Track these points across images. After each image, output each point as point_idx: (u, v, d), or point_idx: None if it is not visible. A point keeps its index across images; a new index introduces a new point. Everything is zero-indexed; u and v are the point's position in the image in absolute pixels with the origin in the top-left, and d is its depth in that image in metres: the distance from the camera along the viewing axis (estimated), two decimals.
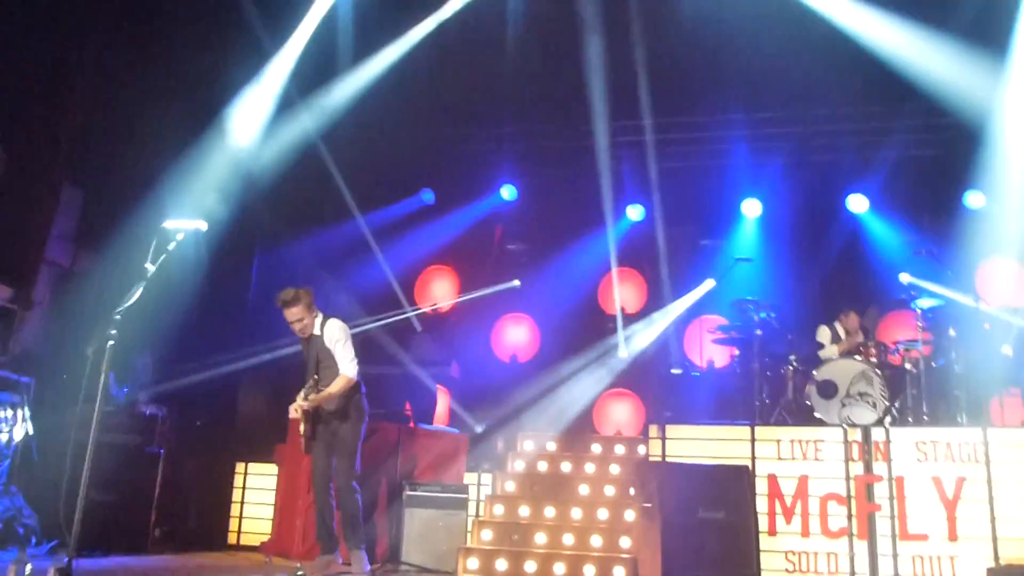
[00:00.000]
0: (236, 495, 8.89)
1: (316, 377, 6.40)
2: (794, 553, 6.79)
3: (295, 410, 6.53)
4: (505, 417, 8.48)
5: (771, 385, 8.71)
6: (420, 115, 10.91)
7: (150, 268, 5.62)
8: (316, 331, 6.60)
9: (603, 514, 7.35)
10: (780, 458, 7.05)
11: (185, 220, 5.99)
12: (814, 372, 8.09)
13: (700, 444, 7.29)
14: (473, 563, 6.92)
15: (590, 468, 7.95)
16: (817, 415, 7.90)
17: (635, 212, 11.33)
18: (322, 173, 10.13)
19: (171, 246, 5.76)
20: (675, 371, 10.11)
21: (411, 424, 8.42)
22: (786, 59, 9.27)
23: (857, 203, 10.73)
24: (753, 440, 7.14)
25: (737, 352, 9.08)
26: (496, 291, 10.99)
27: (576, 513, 7.41)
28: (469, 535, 7.38)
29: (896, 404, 7.96)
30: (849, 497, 6.73)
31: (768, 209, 11.01)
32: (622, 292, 10.71)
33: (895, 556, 6.50)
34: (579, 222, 11.00)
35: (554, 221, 11.64)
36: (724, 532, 6.40)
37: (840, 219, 10.84)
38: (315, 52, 9.78)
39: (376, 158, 10.99)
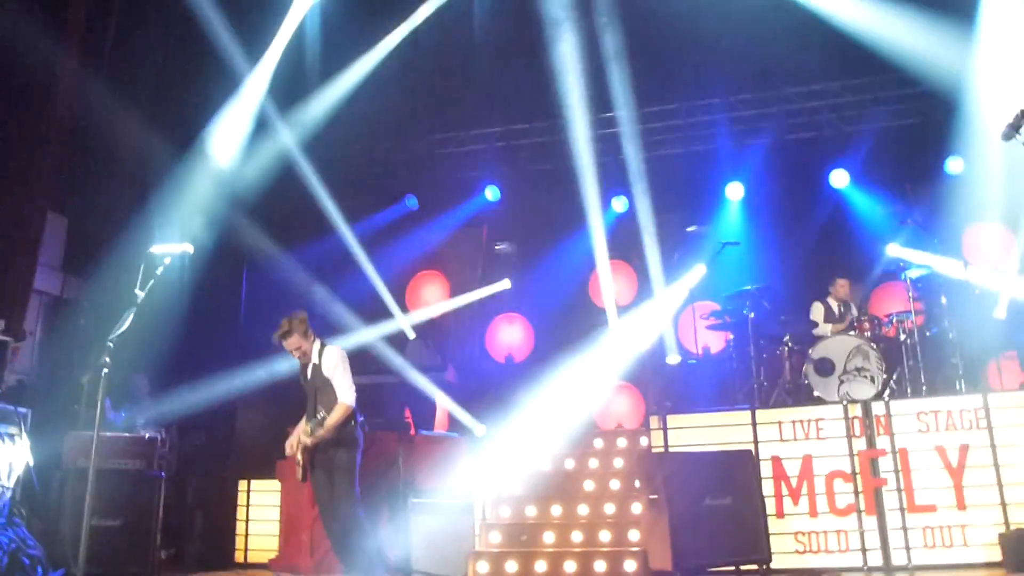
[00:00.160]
0: (241, 513, 8.87)
1: (321, 413, 6.34)
2: (803, 534, 6.80)
3: (291, 446, 6.50)
4: (505, 418, 8.45)
5: (768, 367, 8.73)
6: (398, 122, 10.91)
7: (140, 294, 5.59)
8: (315, 359, 6.55)
9: (610, 508, 7.33)
10: (783, 440, 7.06)
11: (172, 244, 5.98)
12: (810, 351, 8.10)
13: (702, 432, 7.29)
14: (483, 566, 6.90)
15: (594, 463, 7.94)
16: (816, 394, 7.91)
17: (619, 204, 11.34)
18: (305, 187, 10.10)
19: (159, 270, 5.75)
20: (671, 360, 10.11)
21: (411, 431, 8.39)
22: (759, 39, 9.29)
23: (839, 178, 10.77)
24: (754, 424, 7.15)
25: (732, 337, 9.10)
26: (487, 293, 11.01)
27: (583, 509, 7.40)
28: (477, 539, 7.35)
29: (894, 376, 7.99)
30: (854, 473, 6.74)
31: (751, 191, 11.05)
32: (613, 284, 10.71)
33: (905, 529, 6.52)
34: (564, 218, 10.99)
35: (540, 219, 11.64)
36: (732, 518, 6.42)
37: (823, 195, 10.89)
38: (289, 67, 9.77)
39: (357, 168, 10.99)
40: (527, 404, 8.73)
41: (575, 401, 8.90)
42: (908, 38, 8.88)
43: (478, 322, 11.41)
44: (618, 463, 7.84)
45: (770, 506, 6.80)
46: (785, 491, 6.93)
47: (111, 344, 5.41)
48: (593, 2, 9.26)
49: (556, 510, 7.46)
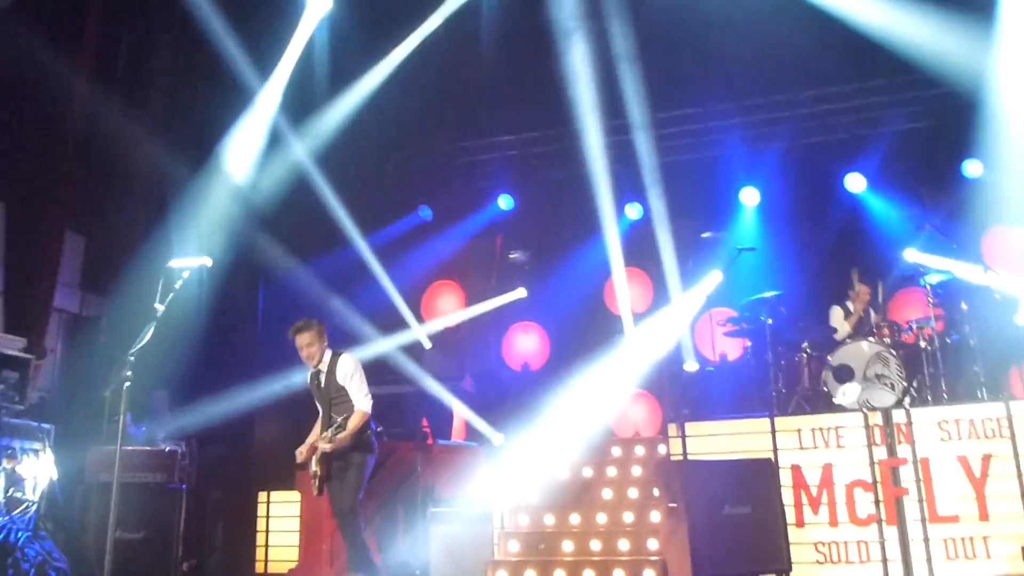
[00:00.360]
0: (261, 524, 8.92)
1: (338, 420, 6.35)
2: (824, 544, 6.73)
3: (301, 453, 6.54)
4: (522, 426, 8.45)
5: (786, 374, 8.66)
6: (411, 132, 10.94)
7: (159, 308, 5.64)
8: (324, 366, 6.59)
9: (628, 517, 7.30)
10: (802, 448, 6.99)
11: (189, 258, 6.03)
12: (828, 357, 8.03)
13: (720, 440, 7.23)
14: (502, 575, 6.91)
15: (612, 471, 7.91)
16: (835, 401, 7.84)
17: (633, 211, 11.34)
18: (319, 199, 10.14)
19: (178, 284, 5.79)
20: (689, 367, 10.07)
21: (429, 441, 8.41)
22: (772, 43, 9.25)
23: (855, 182, 10.72)
24: (773, 431, 7.07)
25: (749, 343, 9.05)
26: (502, 302, 11.01)
27: (601, 518, 7.37)
28: (496, 548, 7.34)
29: (914, 384, 7.90)
30: (875, 483, 6.65)
31: (766, 196, 11.01)
32: (628, 292, 10.69)
33: (926, 540, 6.41)
34: (579, 225, 11.01)
35: (553, 227, 11.66)
36: (752, 527, 6.39)
37: (839, 200, 10.83)
38: (301, 80, 9.81)
39: (370, 179, 11.02)
40: (544, 412, 8.72)
41: (592, 409, 8.88)
42: (925, 39, 8.78)
43: (494, 331, 11.42)
44: (636, 471, 7.81)
45: (790, 515, 6.74)
46: (805, 500, 6.85)
47: (132, 358, 5.45)
48: (605, 7, 9.24)
49: (574, 519, 7.43)
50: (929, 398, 7.77)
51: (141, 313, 5.73)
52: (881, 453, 6.72)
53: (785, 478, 6.87)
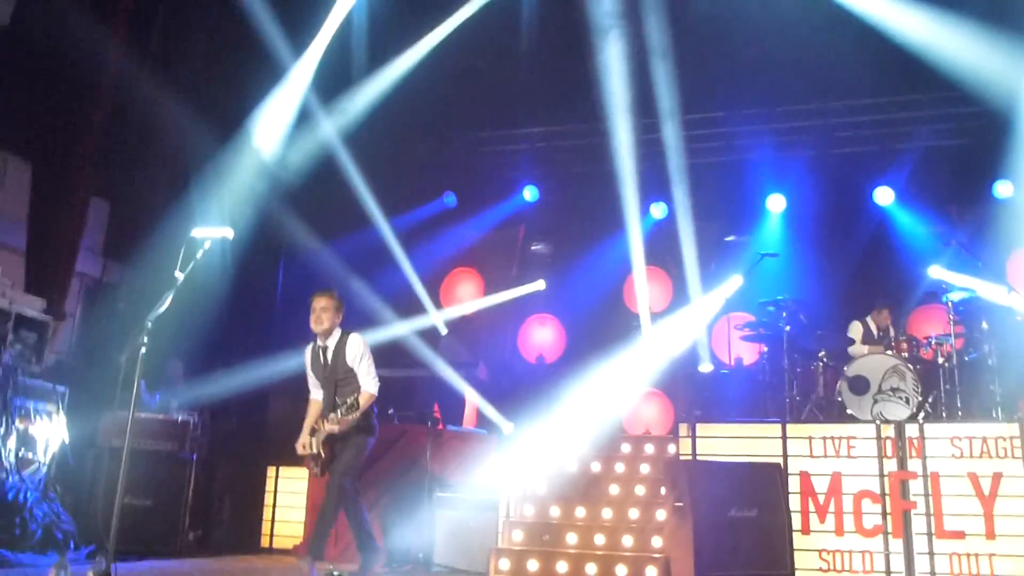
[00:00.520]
0: (268, 499, 8.98)
1: (348, 401, 6.09)
2: (828, 552, 6.73)
3: (304, 446, 6.32)
4: (533, 417, 8.47)
5: (801, 382, 8.64)
6: (440, 118, 10.95)
7: (179, 276, 5.67)
8: (331, 342, 6.40)
9: (634, 514, 7.31)
10: (812, 455, 6.99)
11: (212, 228, 6.06)
12: (845, 368, 8.01)
13: (731, 442, 7.23)
14: (504, 564, 6.93)
15: (620, 468, 7.92)
16: (849, 412, 7.82)
17: (658, 210, 11.32)
18: (345, 178, 10.17)
19: (199, 254, 5.82)
20: (704, 369, 10.05)
21: (440, 426, 8.44)
22: (807, 51, 9.18)
23: (883, 195, 10.65)
24: (784, 437, 7.08)
25: (766, 349, 9.03)
26: (521, 292, 11.03)
27: (607, 513, 7.39)
28: (500, 536, 7.37)
29: (929, 399, 7.86)
30: (883, 495, 6.65)
31: (793, 204, 10.97)
32: (647, 290, 10.68)
33: (931, 554, 6.42)
34: (602, 221, 10.99)
35: (577, 221, 11.64)
36: (757, 531, 6.39)
37: (866, 212, 10.79)
38: (335, 59, 9.83)
39: (398, 162, 11.04)
40: (556, 405, 8.73)
41: (604, 404, 8.88)
42: (961, 54, 8.70)
43: (511, 321, 11.43)
44: (644, 469, 7.82)
45: (796, 521, 6.74)
46: (812, 507, 6.85)
47: (149, 325, 5.49)
48: (643, 7, 9.22)
49: (580, 512, 7.46)
50: (944, 414, 7.74)
51: (162, 282, 5.74)
52: (891, 466, 6.71)
53: (793, 484, 6.88)
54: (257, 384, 9.04)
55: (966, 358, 8.11)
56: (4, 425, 7.30)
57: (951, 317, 8.01)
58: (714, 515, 6.29)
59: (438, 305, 11.13)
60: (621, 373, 9.49)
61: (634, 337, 10.31)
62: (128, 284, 9.15)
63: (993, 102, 8.85)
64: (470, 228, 11.65)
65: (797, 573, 6.52)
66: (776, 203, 11.00)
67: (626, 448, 8.21)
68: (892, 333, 8.81)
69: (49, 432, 7.76)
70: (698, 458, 7.22)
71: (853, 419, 7.62)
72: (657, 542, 6.86)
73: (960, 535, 6.44)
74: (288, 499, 8.89)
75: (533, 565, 6.85)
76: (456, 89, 10.49)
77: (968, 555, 6.41)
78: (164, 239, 8.10)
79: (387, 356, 9.69)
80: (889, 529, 6.54)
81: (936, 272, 8.56)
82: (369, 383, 6.30)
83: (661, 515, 7.06)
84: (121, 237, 9.54)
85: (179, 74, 9.36)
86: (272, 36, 9.19)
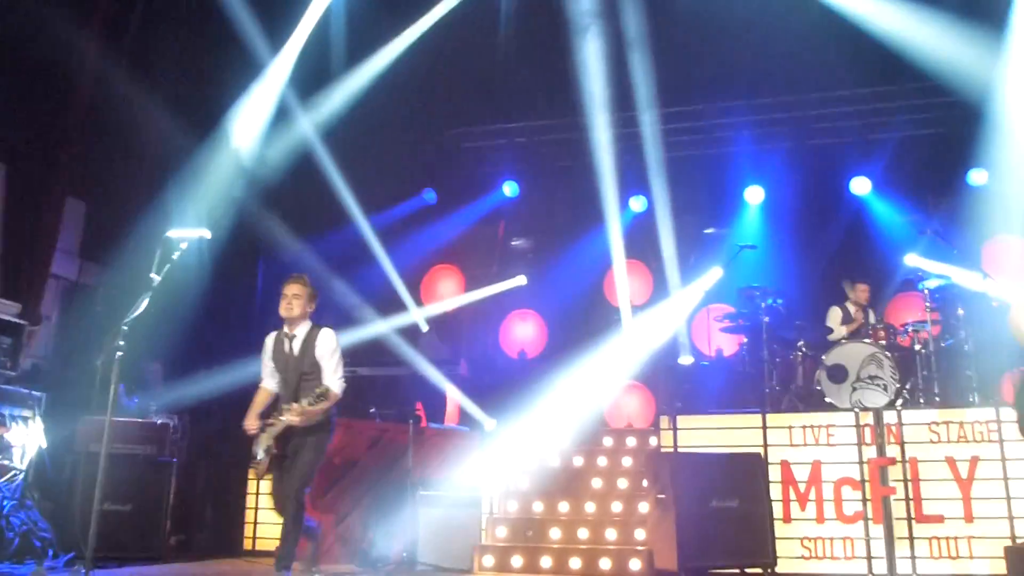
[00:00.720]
0: (250, 501, 8.88)
1: (315, 391, 5.82)
2: (810, 539, 6.78)
3: (251, 427, 6.11)
4: (516, 413, 8.46)
5: (781, 372, 8.69)
6: (419, 115, 10.90)
7: (156, 278, 5.62)
8: (300, 332, 6.15)
9: (617, 507, 7.34)
10: (792, 444, 7.04)
11: (189, 229, 6.01)
12: (823, 357, 8.05)
13: (712, 433, 7.27)
14: (489, 560, 6.93)
15: (602, 461, 7.94)
16: (828, 400, 7.87)
17: (638, 203, 11.34)
18: (324, 176, 10.13)
19: (176, 255, 5.77)
20: (684, 361, 10.09)
21: (422, 424, 8.42)
22: (784, 43, 9.21)
23: (860, 186, 10.72)
24: (765, 427, 7.13)
25: (745, 340, 9.08)
26: (502, 288, 11.01)
27: (590, 507, 7.41)
28: (484, 532, 7.38)
29: (907, 386, 7.93)
30: (863, 481, 6.69)
31: (771, 195, 11.03)
32: (628, 284, 10.70)
33: (911, 539, 6.48)
34: (582, 215, 10.99)
35: (557, 216, 11.65)
36: (739, 520, 6.43)
37: (843, 202, 10.85)
38: (312, 55, 9.78)
39: (377, 159, 10.99)
40: (538, 400, 8.73)
41: (586, 399, 8.89)
42: (936, 45, 8.78)
43: (492, 317, 11.42)
44: (627, 462, 7.84)
45: (777, 510, 6.78)
46: (793, 496, 6.91)
47: (125, 328, 5.44)
48: (619, 1, 9.23)
49: (563, 507, 7.47)
50: (921, 400, 7.81)
51: (139, 284, 5.68)
52: (870, 452, 6.75)
53: (774, 473, 6.92)
54: (237, 386, 8.96)
55: (943, 344, 8.18)
56: None
57: (927, 304, 8.09)
58: (696, 506, 6.32)
59: (419, 302, 11.10)
60: (602, 367, 9.50)
61: (615, 331, 10.32)
62: (105, 286, 9.06)
63: (965, 92, 8.92)
64: (450, 224, 11.62)
65: (779, 561, 6.56)
66: (754, 195, 11.05)
67: (608, 441, 8.24)
68: (872, 316, 8.88)
69: (26, 438, 7.67)
70: (679, 450, 7.24)
71: (832, 407, 7.67)
72: (640, 534, 6.89)
73: (939, 519, 6.53)
74: (270, 501, 8.81)
75: (517, 561, 6.86)
76: (435, 85, 10.47)
77: (948, 539, 6.49)
78: (142, 239, 8.03)
79: (368, 354, 9.68)
80: (869, 515, 6.58)
81: (912, 260, 8.62)
82: (335, 382, 6.02)
83: (644, 508, 7.09)
84: (98, 238, 9.43)
85: (155, 73, 9.26)
86: (250, 33, 9.13)
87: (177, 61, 9.51)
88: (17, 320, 7.97)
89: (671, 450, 7.25)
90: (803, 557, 6.75)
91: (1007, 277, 8.80)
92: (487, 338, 11.34)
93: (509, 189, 11.72)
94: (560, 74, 9.79)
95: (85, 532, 5.22)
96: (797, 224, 10.77)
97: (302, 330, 6.19)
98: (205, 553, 8.48)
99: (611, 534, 7.01)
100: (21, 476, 7.57)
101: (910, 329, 8.27)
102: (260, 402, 6.33)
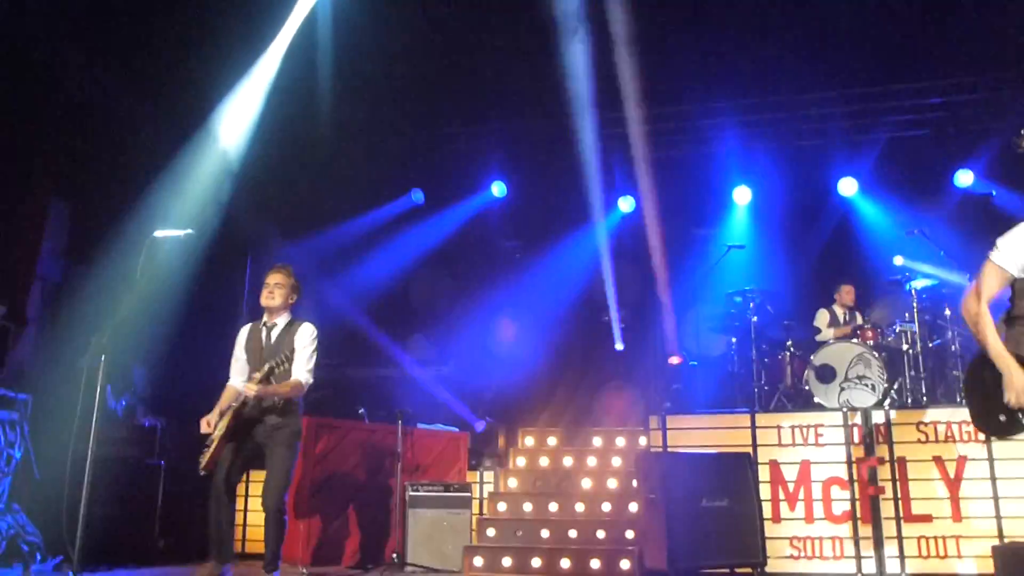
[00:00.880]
0: (240, 503, 8.85)
1: (274, 368, 5.65)
2: (799, 539, 6.80)
3: (208, 423, 6.00)
4: (505, 414, 8.47)
5: (769, 372, 8.74)
6: (407, 115, 10.87)
7: (142, 279, 5.58)
8: (280, 322, 6.04)
9: (607, 507, 7.34)
10: (781, 444, 7.06)
11: (175, 229, 5.96)
12: (812, 357, 8.10)
13: (701, 433, 7.29)
14: (479, 561, 6.92)
15: (592, 461, 7.95)
16: (816, 400, 7.90)
17: (626, 204, 11.35)
18: (312, 176, 10.09)
19: (162, 256, 5.73)
20: (673, 361, 10.10)
21: (411, 425, 8.40)
22: (772, 44, 9.25)
23: (847, 186, 10.76)
24: (754, 427, 7.15)
25: (734, 340, 9.10)
26: (491, 289, 11.00)
27: (579, 507, 7.41)
28: (474, 533, 7.38)
29: (895, 386, 7.98)
30: (852, 481, 6.73)
31: (759, 196, 11.06)
32: (616, 284, 10.71)
33: (900, 538, 6.51)
34: (571, 216, 10.99)
35: (546, 216, 11.64)
36: (728, 520, 6.43)
37: (831, 203, 10.88)
38: (299, 55, 9.72)
39: (364, 160, 10.95)
40: (527, 400, 8.74)
41: (575, 399, 8.90)
42: (922, 47, 8.83)
43: (481, 318, 11.40)
44: (616, 462, 7.85)
45: (766, 510, 6.80)
46: (782, 495, 6.93)
47: (112, 329, 5.40)
48: (606, 1, 9.23)
49: (553, 507, 7.47)
50: (909, 400, 7.85)
51: (125, 284, 5.65)
52: (859, 452, 6.79)
53: (763, 473, 6.94)
54: (225, 387, 8.93)
55: (930, 345, 8.24)
56: None
57: (915, 305, 8.13)
58: (686, 506, 6.32)
59: (408, 303, 11.07)
60: (592, 367, 9.52)
61: (604, 331, 10.33)
62: (92, 286, 8.98)
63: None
64: (439, 225, 11.60)
65: (769, 561, 6.57)
66: (742, 195, 11.08)
67: (597, 442, 8.24)
68: (859, 318, 8.92)
69: (11, 441, 7.61)
70: (669, 450, 7.26)
71: (821, 407, 7.71)
72: (630, 534, 6.90)
73: (928, 519, 6.56)
74: (260, 503, 8.78)
75: (507, 562, 6.84)
76: (423, 85, 10.44)
77: (936, 538, 6.52)
78: (128, 240, 7.96)
79: (357, 355, 9.65)
80: (858, 515, 6.63)
81: (900, 261, 8.68)
82: (304, 373, 5.84)
83: (634, 508, 7.10)
84: (83, 239, 9.35)
85: (139, 71, 9.19)
86: (236, 32, 9.07)
87: (162, 60, 9.42)
88: (2, 322, 7.90)
89: (660, 450, 7.27)
90: (792, 557, 6.77)
91: None
92: (476, 338, 11.32)
93: (497, 189, 11.71)
94: (547, 73, 9.77)
95: (73, 536, 5.18)
96: (784, 224, 10.81)
97: (282, 321, 6.06)
98: (195, 556, 8.42)
99: (601, 534, 7.01)
100: (7, 480, 7.51)
101: (898, 329, 8.31)
102: (226, 400, 6.13)
